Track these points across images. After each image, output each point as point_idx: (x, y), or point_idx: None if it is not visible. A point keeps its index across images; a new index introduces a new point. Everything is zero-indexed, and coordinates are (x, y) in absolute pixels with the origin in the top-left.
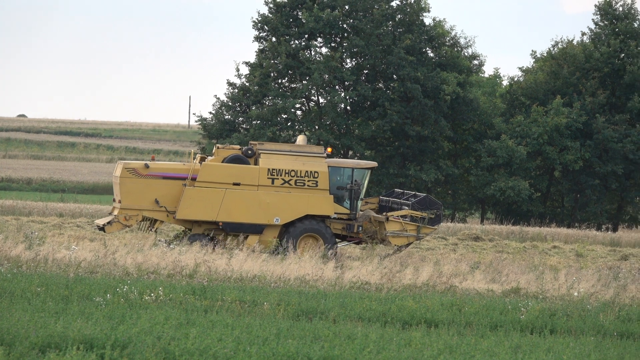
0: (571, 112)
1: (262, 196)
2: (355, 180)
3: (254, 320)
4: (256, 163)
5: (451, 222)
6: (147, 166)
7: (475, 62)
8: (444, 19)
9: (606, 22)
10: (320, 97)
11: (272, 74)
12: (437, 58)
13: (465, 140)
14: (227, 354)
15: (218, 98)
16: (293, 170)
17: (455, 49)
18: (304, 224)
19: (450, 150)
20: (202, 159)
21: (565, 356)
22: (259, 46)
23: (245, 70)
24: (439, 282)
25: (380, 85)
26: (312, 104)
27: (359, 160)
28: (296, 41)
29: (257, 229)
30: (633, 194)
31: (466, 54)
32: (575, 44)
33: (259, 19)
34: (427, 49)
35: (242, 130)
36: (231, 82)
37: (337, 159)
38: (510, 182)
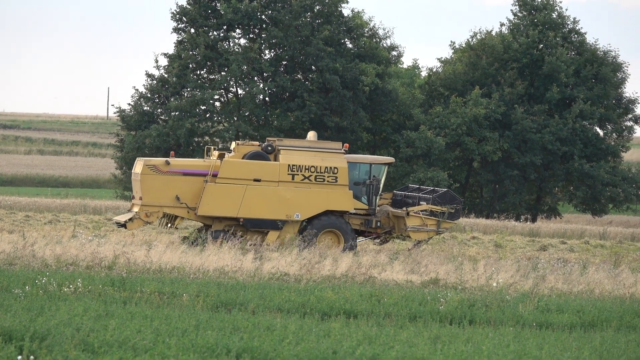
0: (490, 103)
1: (282, 192)
2: (374, 176)
3: (173, 312)
4: (276, 159)
5: None
6: (167, 163)
7: (394, 53)
8: (363, 10)
9: (525, 13)
10: (238, 89)
11: (190, 66)
12: (355, 49)
13: (384, 131)
14: (146, 345)
15: (137, 89)
16: (313, 166)
17: (374, 40)
18: (324, 220)
19: (369, 141)
20: (221, 155)
21: (485, 347)
22: (178, 37)
23: (164, 61)
24: (358, 273)
25: (299, 76)
26: (230, 95)
27: (376, 156)
28: (214, 32)
29: (277, 225)
30: (551, 184)
31: (385, 45)
32: (494, 35)
33: (178, 10)
34: (346, 40)
35: (160, 122)
36: (150, 73)
37: (355, 155)
38: (429, 172)
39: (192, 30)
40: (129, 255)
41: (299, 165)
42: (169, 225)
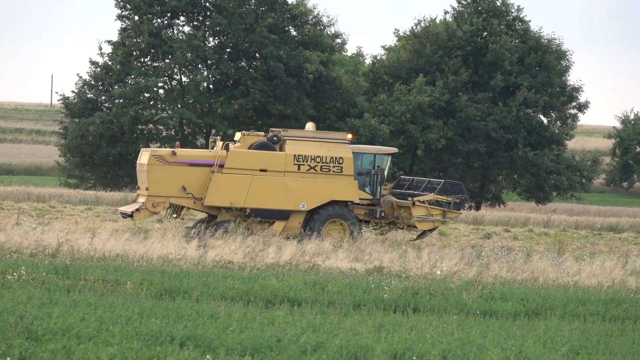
0: (434, 91)
1: (288, 182)
2: (378, 166)
3: (116, 300)
4: (281, 149)
5: None
6: (174, 153)
7: (338, 40)
8: None
9: (469, 1)
10: (182, 76)
11: (134, 53)
12: (299, 37)
13: (328, 119)
14: (89, 333)
15: (80, 77)
16: (318, 157)
17: (318, 28)
18: (330, 210)
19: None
20: (225, 146)
21: (429, 334)
22: (122, 25)
23: (108, 49)
24: (302, 261)
25: (243, 64)
26: (174, 82)
27: (380, 146)
28: (158, 20)
29: (283, 215)
30: (495, 172)
31: (329, 32)
32: (438, 22)
33: None
34: (290, 27)
35: (104, 109)
36: (94, 61)
37: (359, 145)
38: None
39: (136, 18)
40: (72, 243)
41: (305, 156)
42: (174, 215)
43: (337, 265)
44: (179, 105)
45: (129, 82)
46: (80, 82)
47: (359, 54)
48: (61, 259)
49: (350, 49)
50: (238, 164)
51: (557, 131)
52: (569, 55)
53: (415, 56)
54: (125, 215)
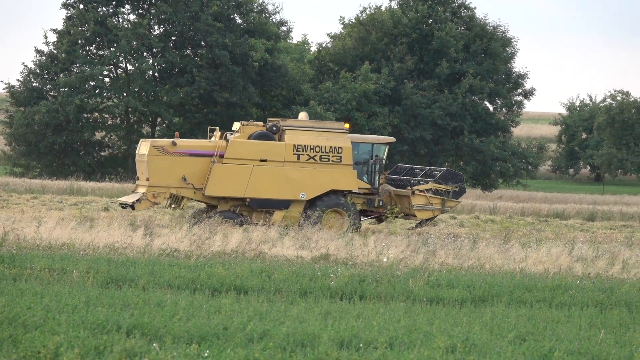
0: (379, 78)
1: (288, 172)
2: (376, 155)
3: (63, 288)
4: (280, 139)
5: None
6: (174, 144)
7: (284, 28)
8: None
9: None
10: (128, 64)
11: (80, 41)
12: (245, 24)
13: (274, 107)
14: (36, 322)
15: (26, 65)
16: (318, 146)
17: (263, 16)
18: (329, 199)
19: (259, 116)
20: (223, 136)
21: (375, 322)
22: (67, 13)
23: (53, 37)
24: (249, 249)
25: (189, 52)
26: (120, 71)
27: (378, 136)
28: (104, 8)
29: (283, 205)
30: (441, 159)
31: (274, 20)
32: (383, 10)
33: None
34: (235, 15)
35: (50, 98)
36: (39, 49)
37: (357, 135)
38: None
39: (82, 6)
40: (18, 232)
41: (304, 145)
42: (172, 206)
43: (284, 253)
44: (125, 94)
45: (75, 70)
46: (25, 70)
47: (305, 42)
48: (7, 248)
49: (296, 37)
50: (238, 154)
51: (502, 118)
52: (515, 42)
53: (360, 44)
54: (125, 206)
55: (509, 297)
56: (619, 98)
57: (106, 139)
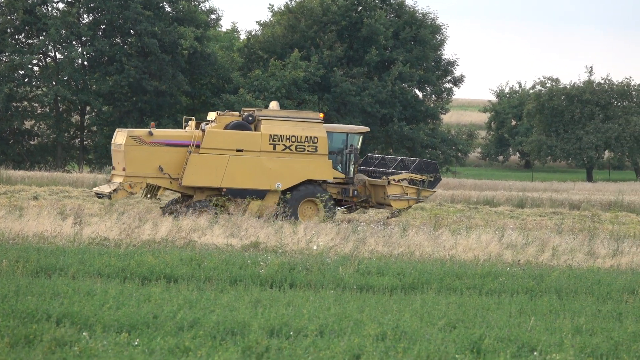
0: (309, 66)
1: (264, 162)
2: (351, 145)
3: None
4: (256, 129)
5: None
6: (150, 134)
7: (213, 16)
8: None
9: None
10: (57, 53)
11: (8, 30)
12: (174, 13)
13: (204, 95)
14: None
15: None
16: (293, 136)
17: (193, 3)
18: (305, 189)
19: (189, 105)
20: (198, 126)
21: (305, 310)
22: None
23: None
24: (178, 237)
25: (118, 40)
26: (49, 59)
27: (352, 126)
28: None
29: (259, 195)
30: (371, 147)
31: (203, 8)
32: None
33: None
34: (164, 3)
35: None
36: None
37: (331, 124)
38: None
39: None
40: None
41: (280, 135)
42: (149, 195)
43: (213, 241)
44: (54, 83)
45: (3, 59)
46: None
47: (234, 30)
48: None
49: (225, 25)
50: (215, 143)
51: (432, 105)
52: (444, 30)
53: (290, 31)
54: (101, 195)
55: (439, 285)
56: (548, 85)
57: (35, 128)
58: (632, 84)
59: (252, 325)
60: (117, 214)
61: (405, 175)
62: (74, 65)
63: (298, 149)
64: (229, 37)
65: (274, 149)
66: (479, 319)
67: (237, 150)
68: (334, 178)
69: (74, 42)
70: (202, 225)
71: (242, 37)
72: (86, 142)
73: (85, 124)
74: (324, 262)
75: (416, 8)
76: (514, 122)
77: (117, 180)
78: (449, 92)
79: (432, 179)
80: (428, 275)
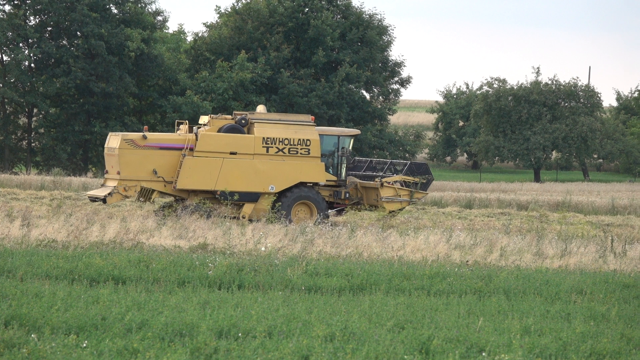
0: (256, 67)
1: (257, 165)
2: (343, 147)
3: None
4: (249, 132)
5: None
6: (144, 137)
7: (160, 18)
8: None
9: None
10: (3, 55)
11: None
12: (121, 14)
13: (151, 97)
14: None
15: None
16: (286, 139)
17: (139, 5)
18: (298, 192)
19: (136, 106)
20: (190, 129)
21: (254, 311)
22: None
23: None
24: (126, 239)
25: (65, 42)
26: None
27: (343, 128)
28: None
29: (253, 197)
30: None
31: (150, 10)
32: None
33: None
34: (111, 5)
35: None
36: None
37: (323, 127)
38: None
39: None
40: None
41: (273, 138)
42: (141, 199)
43: (161, 243)
44: (0, 85)
45: None
46: None
47: (181, 32)
48: None
49: (172, 27)
50: (209, 147)
51: (379, 106)
52: (391, 31)
53: (237, 33)
54: (96, 199)
55: (387, 285)
56: (495, 86)
57: None
58: (579, 84)
59: (200, 326)
60: (64, 216)
61: (398, 177)
62: (20, 67)
63: (291, 152)
64: (175, 38)
65: (267, 151)
66: (427, 320)
67: (231, 153)
68: (327, 180)
69: (20, 44)
70: (150, 227)
71: (189, 38)
72: (34, 144)
73: (32, 126)
74: (272, 263)
75: (363, 9)
76: (461, 123)
77: (111, 183)
78: (396, 93)
79: (424, 181)
80: (376, 276)
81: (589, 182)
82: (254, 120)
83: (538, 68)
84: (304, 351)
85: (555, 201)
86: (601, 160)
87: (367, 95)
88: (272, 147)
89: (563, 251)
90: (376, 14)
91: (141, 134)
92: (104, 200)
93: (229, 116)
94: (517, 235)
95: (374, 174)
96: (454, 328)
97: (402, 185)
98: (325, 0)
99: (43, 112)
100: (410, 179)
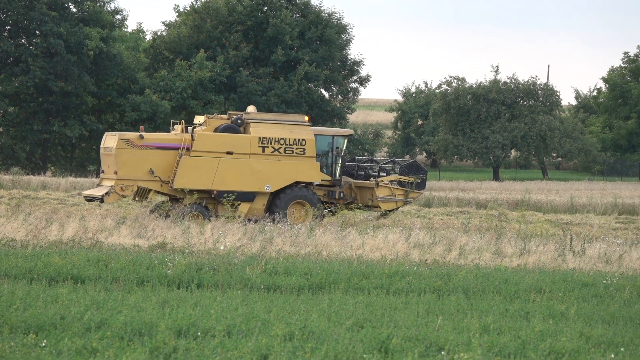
0: (215, 66)
1: (253, 164)
2: (337, 147)
3: None
4: (245, 132)
5: (96, 177)
6: (141, 137)
7: (118, 17)
8: None
9: None
10: None
11: None
12: (80, 13)
13: (110, 95)
14: None
15: None
16: (282, 139)
17: (98, 4)
18: (293, 191)
19: (95, 105)
20: (185, 129)
21: (213, 310)
22: None
23: None
24: (85, 238)
25: (23, 41)
26: None
27: (337, 128)
28: None
29: (249, 197)
30: None
31: (109, 8)
32: None
33: None
34: (70, 4)
35: None
36: None
37: (317, 127)
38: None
39: None
40: None
41: (269, 138)
42: (136, 198)
43: (120, 242)
44: None
45: None
46: None
47: (140, 30)
48: None
49: (131, 25)
50: (205, 146)
51: (338, 105)
52: (350, 29)
53: (195, 32)
54: (93, 198)
55: (346, 284)
56: (454, 84)
57: None
58: (537, 82)
59: (159, 325)
60: (23, 215)
61: (393, 176)
62: None
63: (287, 152)
64: (134, 37)
65: (263, 151)
66: (386, 319)
67: (227, 153)
68: (322, 180)
69: None
70: (109, 226)
71: (148, 37)
72: None
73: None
74: (231, 262)
75: (322, 8)
76: (420, 122)
77: (108, 183)
78: (355, 91)
79: (419, 181)
80: (335, 275)
81: (548, 181)
82: (249, 120)
83: (497, 67)
84: (263, 350)
85: (514, 200)
86: (560, 158)
87: (326, 94)
88: (268, 146)
89: (522, 250)
90: (335, 13)
91: (138, 133)
92: (101, 200)
93: (225, 116)
94: (476, 234)
95: (365, 172)
96: (413, 327)
97: (397, 185)
98: None
99: (1, 111)
100: (405, 178)
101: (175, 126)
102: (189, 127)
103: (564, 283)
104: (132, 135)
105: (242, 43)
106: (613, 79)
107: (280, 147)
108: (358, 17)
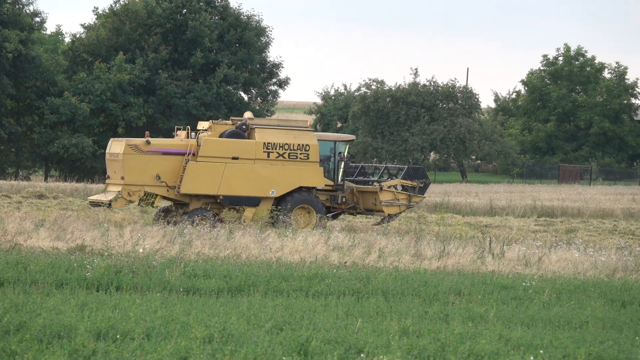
0: (134, 69)
1: (258, 169)
2: (340, 152)
3: None
4: (250, 137)
5: (15, 180)
6: (148, 142)
7: (37, 19)
8: None
9: None
10: None
11: None
12: None
13: (28, 98)
14: None
15: None
16: (287, 144)
17: (17, 6)
18: (298, 196)
19: (13, 108)
20: (188, 135)
21: (132, 313)
22: None
23: None
24: (4, 241)
25: None
26: None
27: (339, 134)
28: None
29: (254, 202)
30: None
31: (28, 11)
32: (137, 0)
33: None
34: None
35: None
36: None
37: (319, 132)
38: (74, 139)
39: None
40: None
41: (274, 143)
42: (142, 204)
43: (39, 245)
44: None
45: None
46: None
47: (59, 33)
48: None
49: (50, 28)
50: (211, 152)
51: (257, 107)
52: (269, 32)
53: (114, 34)
54: (101, 204)
55: (265, 287)
56: (373, 87)
57: None
58: (457, 85)
59: (78, 328)
60: None
61: (397, 181)
62: None
63: (291, 157)
64: (53, 40)
65: (268, 156)
66: (305, 321)
67: (233, 158)
68: (325, 185)
69: None
70: (28, 229)
71: (67, 40)
72: None
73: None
74: (150, 265)
75: (241, 10)
76: (339, 124)
77: (114, 188)
78: (275, 94)
79: (422, 185)
80: (254, 278)
81: (467, 183)
82: (254, 126)
83: (416, 69)
84: (183, 353)
85: (433, 202)
86: (479, 161)
87: (245, 97)
88: (273, 152)
89: (441, 252)
90: (254, 15)
91: (145, 139)
92: (108, 205)
93: (229, 122)
94: (395, 237)
95: (366, 178)
96: (333, 329)
97: (401, 189)
98: (203, 2)
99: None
100: (408, 182)
101: (179, 132)
102: (193, 133)
103: (483, 285)
104: (139, 140)
105: (161, 45)
106: (532, 81)
107: (284, 153)
108: (277, 20)
